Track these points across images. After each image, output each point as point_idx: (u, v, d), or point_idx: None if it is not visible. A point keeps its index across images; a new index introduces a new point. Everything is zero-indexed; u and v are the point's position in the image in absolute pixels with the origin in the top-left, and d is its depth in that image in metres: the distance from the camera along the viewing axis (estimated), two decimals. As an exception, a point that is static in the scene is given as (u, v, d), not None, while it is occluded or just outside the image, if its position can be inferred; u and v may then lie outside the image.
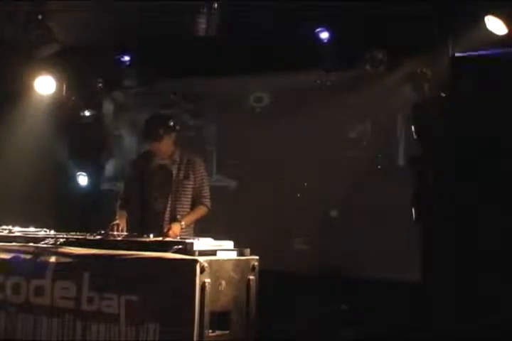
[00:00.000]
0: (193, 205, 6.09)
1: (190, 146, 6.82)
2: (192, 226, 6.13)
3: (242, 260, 5.11)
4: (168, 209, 6.04)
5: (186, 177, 6.08)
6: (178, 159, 6.12)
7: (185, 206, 6.07)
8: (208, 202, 6.11)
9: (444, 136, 6.28)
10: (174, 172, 6.09)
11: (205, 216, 6.13)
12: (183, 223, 5.91)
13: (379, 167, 7.29)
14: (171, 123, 6.13)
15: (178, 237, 5.59)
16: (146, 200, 6.07)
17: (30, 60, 7.16)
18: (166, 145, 6.09)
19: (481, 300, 5.83)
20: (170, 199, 6.04)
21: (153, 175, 6.12)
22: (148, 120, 6.24)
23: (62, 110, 8.02)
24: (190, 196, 6.08)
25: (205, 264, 4.72)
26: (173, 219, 6.00)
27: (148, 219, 6.02)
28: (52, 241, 5.31)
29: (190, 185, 6.08)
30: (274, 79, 7.55)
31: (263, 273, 5.10)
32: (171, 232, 5.74)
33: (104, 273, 4.95)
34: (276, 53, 6.84)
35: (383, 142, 7.29)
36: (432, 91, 6.35)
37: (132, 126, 8.63)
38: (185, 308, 4.67)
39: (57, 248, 5.22)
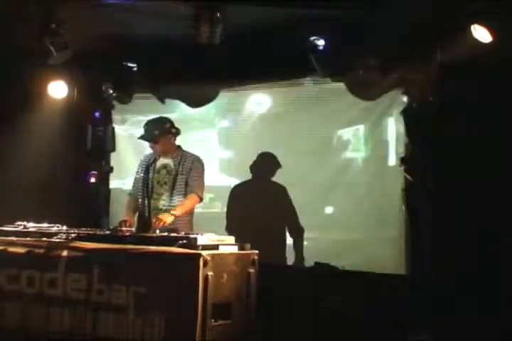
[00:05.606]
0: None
1: (194, 147, 6.84)
2: (189, 218, 6.14)
3: (243, 254, 5.15)
4: (169, 206, 6.08)
5: (186, 175, 6.11)
6: (179, 158, 6.16)
7: None
8: (196, 191, 6.04)
9: (433, 138, 6.31)
10: (175, 170, 6.12)
11: (197, 204, 6.14)
12: (174, 212, 5.88)
13: (371, 167, 7.35)
14: (167, 126, 6.17)
15: (174, 226, 5.65)
16: (150, 198, 6.11)
17: (43, 67, 7.19)
18: (163, 146, 6.15)
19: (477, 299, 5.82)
20: (171, 196, 6.08)
21: (156, 174, 6.17)
22: (145, 123, 6.31)
23: (74, 113, 8.06)
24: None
25: (208, 258, 4.76)
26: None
27: (152, 215, 6.06)
28: (64, 236, 5.36)
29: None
30: (272, 84, 7.61)
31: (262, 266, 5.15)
32: (158, 222, 5.72)
33: (114, 267, 5.00)
34: (275, 59, 6.87)
35: (375, 143, 7.34)
36: (421, 96, 6.39)
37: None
38: (189, 299, 4.72)
39: (69, 242, 5.27)
